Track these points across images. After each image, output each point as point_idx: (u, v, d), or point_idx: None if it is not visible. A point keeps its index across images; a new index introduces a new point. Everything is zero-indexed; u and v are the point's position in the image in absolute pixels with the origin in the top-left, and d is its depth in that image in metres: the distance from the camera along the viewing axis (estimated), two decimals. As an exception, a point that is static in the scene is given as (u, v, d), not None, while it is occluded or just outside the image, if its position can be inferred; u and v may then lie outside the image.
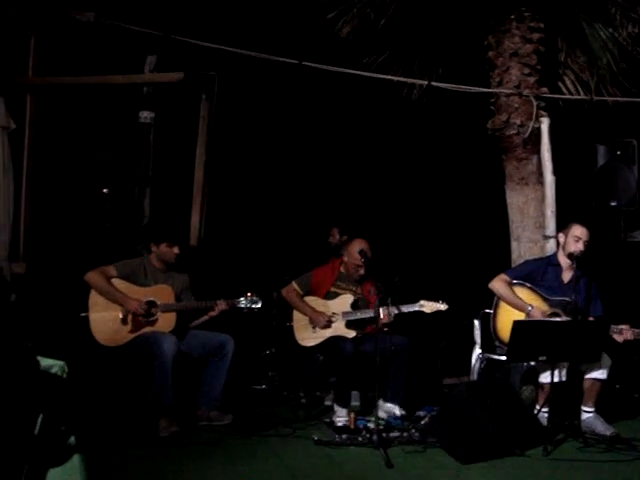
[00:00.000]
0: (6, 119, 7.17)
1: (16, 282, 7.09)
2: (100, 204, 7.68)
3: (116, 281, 5.83)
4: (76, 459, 2.22)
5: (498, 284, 6.05)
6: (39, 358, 2.19)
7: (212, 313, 5.96)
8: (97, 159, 7.70)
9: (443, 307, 6.06)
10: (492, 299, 6.09)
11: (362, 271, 6.33)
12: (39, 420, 1.57)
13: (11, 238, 7.17)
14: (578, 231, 5.96)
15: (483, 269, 6.38)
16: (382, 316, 6.00)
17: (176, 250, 5.97)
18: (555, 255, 6.17)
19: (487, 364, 6.35)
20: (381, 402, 5.98)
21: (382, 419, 5.61)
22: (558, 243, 6.17)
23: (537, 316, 5.81)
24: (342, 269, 6.49)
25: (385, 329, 5.96)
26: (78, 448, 1.80)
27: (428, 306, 6.06)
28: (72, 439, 1.71)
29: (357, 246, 6.29)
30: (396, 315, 5.97)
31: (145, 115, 7.46)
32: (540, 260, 6.35)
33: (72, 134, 7.64)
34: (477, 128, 7.40)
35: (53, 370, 2.35)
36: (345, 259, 6.45)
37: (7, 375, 1.52)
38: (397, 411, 6.04)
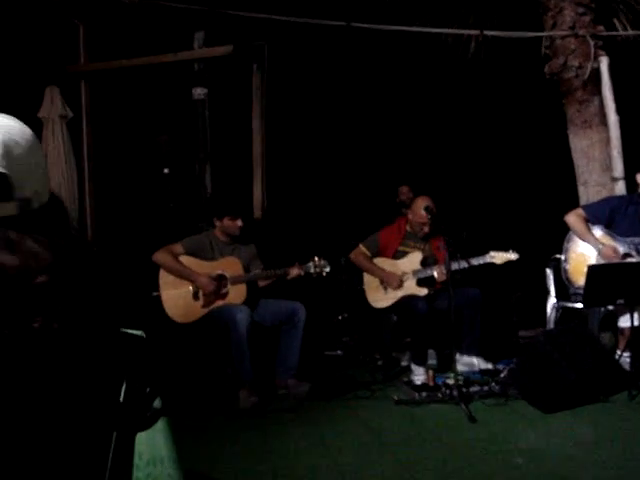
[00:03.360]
0: (63, 108, 7.28)
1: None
2: (162, 184, 7.73)
3: (184, 258, 5.87)
4: (160, 422, 2.25)
5: (573, 218, 5.98)
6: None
7: (287, 278, 5.92)
8: (155, 140, 7.75)
9: (514, 257, 5.95)
10: (562, 245, 6.01)
11: (427, 229, 6.28)
12: (124, 385, 1.58)
13: (78, 224, 7.30)
14: None
15: (552, 216, 6.26)
16: (436, 275, 5.98)
17: (239, 223, 5.97)
18: (637, 194, 6.00)
19: (563, 313, 6.25)
20: (458, 356, 5.96)
21: (461, 374, 5.57)
22: (638, 183, 5.99)
23: (609, 254, 5.71)
24: (408, 228, 6.44)
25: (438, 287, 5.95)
26: (164, 411, 1.80)
27: (498, 257, 5.96)
28: (158, 402, 1.71)
29: (421, 203, 6.24)
30: (464, 269, 5.92)
31: (198, 92, 7.47)
32: (622, 197, 6.26)
33: (128, 117, 7.71)
34: (535, 74, 7.24)
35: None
36: (410, 217, 6.40)
37: (91, 341, 1.53)
38: (475, 361, 5.99)
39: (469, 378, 5.66)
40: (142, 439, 2.26)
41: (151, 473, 2.25)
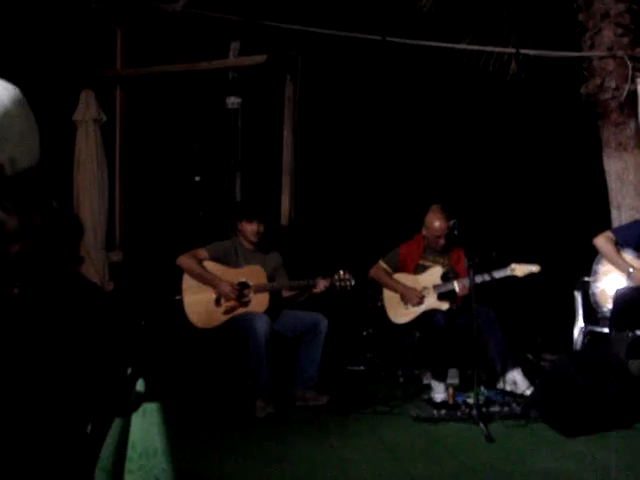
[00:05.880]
0: (97, 112, 7.32)
1: (114, 270, 7.24)
2: (193, 192, 7.74)
3: (208, 263, 5.86)
4: (155, 415, 2.20)
5: (602, 241, 5.85)
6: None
7: (315, 291, 5.91)
8: (188, 147, 7.76)
9: (535, 269, 5.78)
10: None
11: (442, 241, 6.14)
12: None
13: (107, 228, 7.33)
14: None
15: (583, 238, 6.15)
16: (458, 289, 5.87)
17: (255, 226, 5.92)
18: None
19: (591, 338, 6.13)
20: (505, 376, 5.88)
21: (482, 393, 5.48)
22: None
23: (639, 278, 5.58)
24: (426, 242, 6.33)
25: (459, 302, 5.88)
26: (148, 396, 1.75)
27: (519, 269, 5.79)
28: (141, 386, 1.65)
29: (432, 218, 6.16)
30: (486, 282, 5.80)
31: (232, 101, 7.46)
32: None
33: (162, 123, 7.72)
34: (571, 95, 7.15)
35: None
36: (425, 233, 6.30)
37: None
38: (517, 376, 5.84)
39: (490, 398, 5.56)
40: (136, 430, 2.23)
41: (144, 465, 2.21)
